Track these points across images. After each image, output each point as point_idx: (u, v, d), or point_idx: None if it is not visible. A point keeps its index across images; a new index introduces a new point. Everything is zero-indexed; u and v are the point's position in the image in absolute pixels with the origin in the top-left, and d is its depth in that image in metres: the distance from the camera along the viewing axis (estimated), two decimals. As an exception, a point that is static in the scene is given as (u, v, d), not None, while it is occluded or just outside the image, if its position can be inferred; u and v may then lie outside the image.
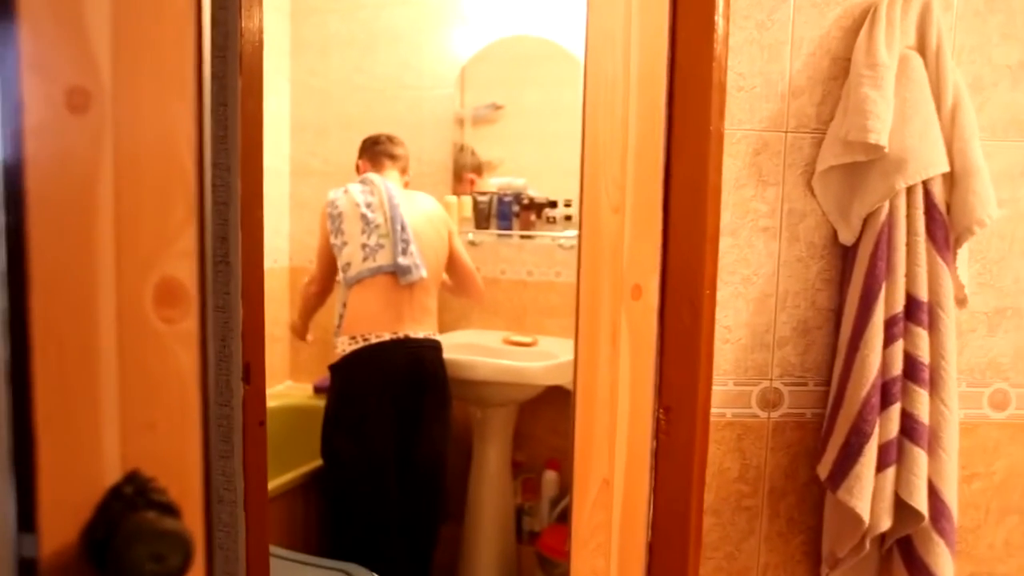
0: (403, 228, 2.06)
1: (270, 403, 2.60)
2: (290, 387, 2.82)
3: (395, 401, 2.04)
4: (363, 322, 2.06)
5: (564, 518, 2.35)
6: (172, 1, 0.51)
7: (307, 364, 2.77)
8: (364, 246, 2.06)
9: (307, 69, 2.75)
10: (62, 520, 0.46)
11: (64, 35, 0.46)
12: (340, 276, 2.10)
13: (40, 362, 0.45)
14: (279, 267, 2.76)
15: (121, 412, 0.50)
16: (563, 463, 2.40)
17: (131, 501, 0.49)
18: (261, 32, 1.00)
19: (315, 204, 2.73)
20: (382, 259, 2.05)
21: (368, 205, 2.08)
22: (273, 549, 1.69)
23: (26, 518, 0.44)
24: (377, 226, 2.06)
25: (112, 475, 0.49)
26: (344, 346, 2.05)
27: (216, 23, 0.90)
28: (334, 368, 2.08)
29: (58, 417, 0.46)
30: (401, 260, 2.04)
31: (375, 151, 2.24)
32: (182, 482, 0.54)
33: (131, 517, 0.48)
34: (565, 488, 2.38)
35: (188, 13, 0.52)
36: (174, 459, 0.54)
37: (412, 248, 2.06)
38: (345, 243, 2.08)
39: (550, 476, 2.39)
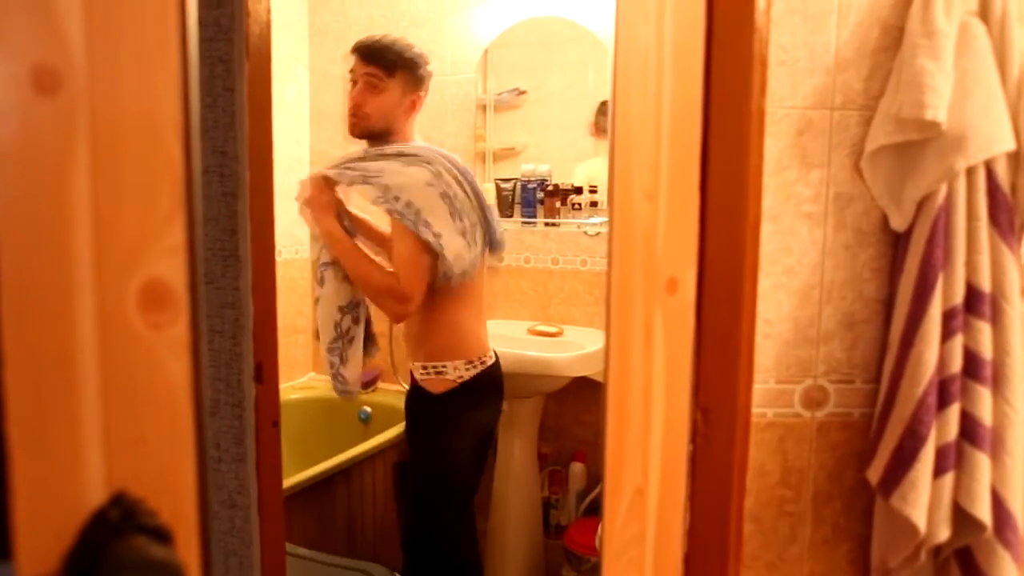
0: (481, 195, 1.67)
1: (293, 396, 2.60)
2: (313, 379, 2.80)
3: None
4: (477, 336, 1.70)
5: (592, 511, 2.33)
6: (149, -32, 0.45)
7: (331, 356, 2.74)
8: (463, 232, 1.57)
9: (326, 56, 2.71)
10: (41, 547, 0.42)
11: (28, 7, 0.41)
12: (440, 277, 1.58)
13: (13, 374, 0.41)
14: (300, 258, 2.73)
15: (105, 427, 0.46)
16: (590, 455, 2.37)
17: (117, 526, 0.46)
18: (268, 13, 0.94)
19: (335, 193, 2.69)
20: (481, 241, 1.64)
21: (438, 177, 1.56)
22: (292, 548, 1.66)
23: (1, 544, 0.40)
24: (463, 202, 1.58)
25: (96, 497, 0.45)
26: (461, 371, 1.66)
27: (221, 4, 0.85)
28: (437, 402, 1.67)
29: (34, 434, 0.43)
30: (498, 234, 1.68)
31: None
32: (175, 503, 0.49)
33: (117, 543, 0.45)
34: (592, 481, 2.36)
35: (169, -16, 0.46)
36: (165, 478, 0.50)
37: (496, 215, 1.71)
38: (439, 234, 1.51)
39: (577, 468, 2.36)
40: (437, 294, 1.61)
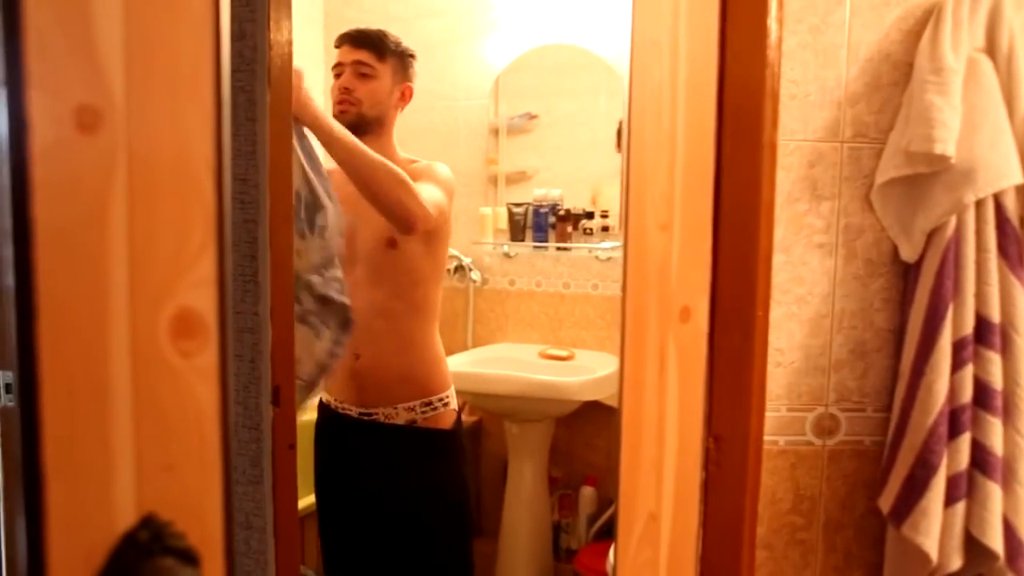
0: None
1: (304, 416, 2.59)
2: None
3: None
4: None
5: (602, 536, 2.31)
6: (188, 12, 0.47)
7: (341, 377, 2.74)
8: None
9: (341, 81, 2.74)
10: (72, 568, 0.43)
11: (73, 50, 0.43)
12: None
13: (49, 400, 0.43)
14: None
15: (136, 452, 0.47)
16: (601, 479, 2.36)
17: (147, 548, 0.47)
18: (290, 45, 0.97)
19: (349, 216, 2.71)
20: None
21: None
22: (304, 570, 1.66)
23: (35, 566, 0.42)
24: None
25: (126, 520, 0.46)
26: (456, 402, 1.60)
27: (244, 36, 0.88)
28: (453, 435, 1.57)
29: (68, 458, 0.44)
30: None
31: None
32: (202, 526, 0.50)
33: (147, 565, 0.46)
34: (603, 505, 2.34)
35: (205, 26, 0.48)
36: (193, 502, 0.51)
37: None
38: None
39: (587, 492, 2.35)
40: (425, 320, 1.54)
